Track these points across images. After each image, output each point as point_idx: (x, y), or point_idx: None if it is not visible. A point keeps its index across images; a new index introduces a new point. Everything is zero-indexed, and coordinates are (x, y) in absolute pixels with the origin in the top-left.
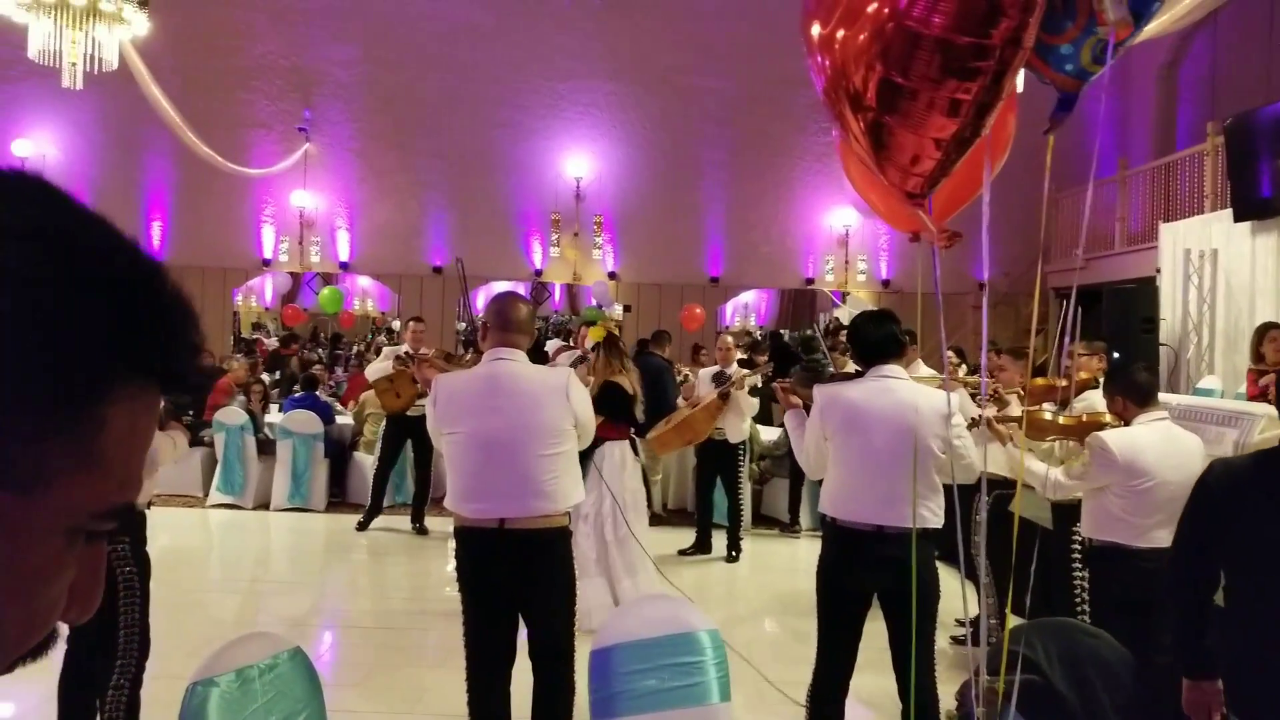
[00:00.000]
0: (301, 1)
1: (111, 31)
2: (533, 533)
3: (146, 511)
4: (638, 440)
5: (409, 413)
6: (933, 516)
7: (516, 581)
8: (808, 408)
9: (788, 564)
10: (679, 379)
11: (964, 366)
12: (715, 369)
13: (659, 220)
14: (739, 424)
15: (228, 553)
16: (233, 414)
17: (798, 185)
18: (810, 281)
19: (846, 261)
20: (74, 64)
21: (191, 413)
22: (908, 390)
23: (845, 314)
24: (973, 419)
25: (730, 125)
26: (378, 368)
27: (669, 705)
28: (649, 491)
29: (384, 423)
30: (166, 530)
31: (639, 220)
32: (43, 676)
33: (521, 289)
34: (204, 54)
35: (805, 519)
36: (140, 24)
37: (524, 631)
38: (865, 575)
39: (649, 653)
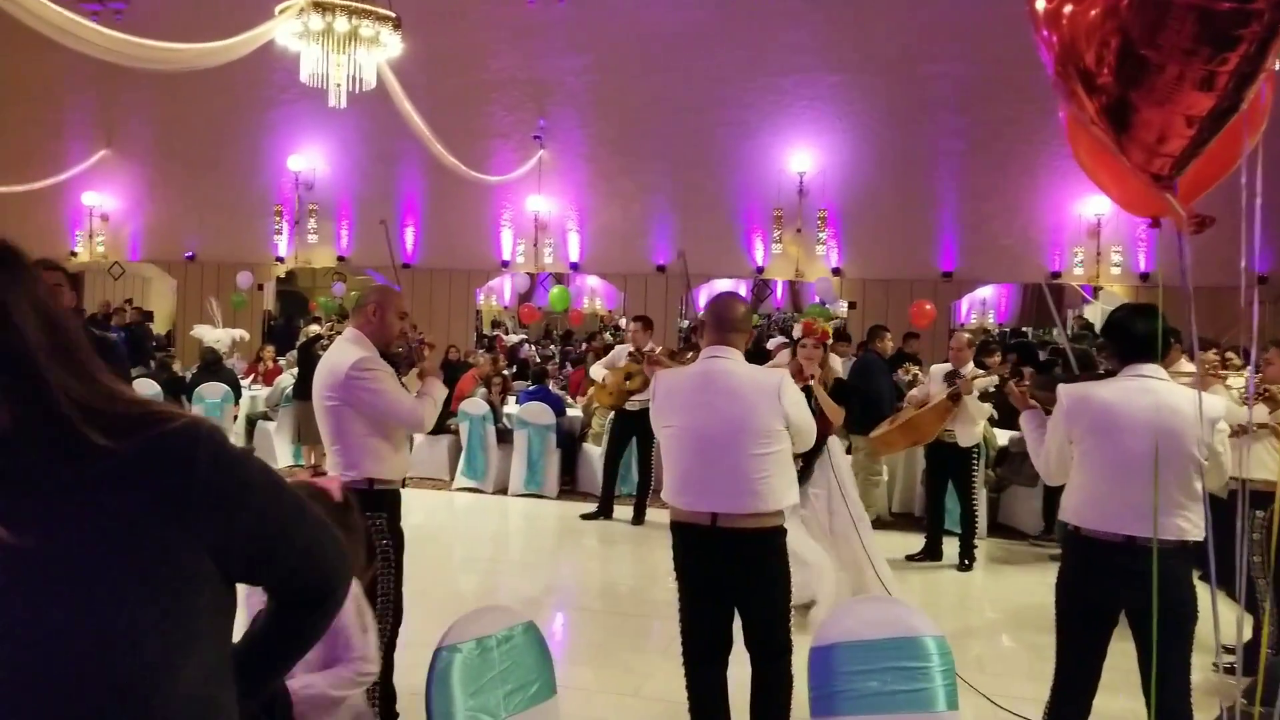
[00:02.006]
0: (538, 16)
1: (370, 54)
2: (745, 531)
3: (401, 490)
4: (852, 439)
5: (628, 407)
6: (1192, 529)
7: (730, 577)
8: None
9: (1026, 575)
10: (908, 378)
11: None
12: (947, 367)
13: (887, 214)
14: (970, 428)
15: (470, 532)
16: (476, 405)
17: (1042, 172)
18: (1056, 275)
19: (1098, 253)
20: (338, 85)
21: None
22: (1169, 391)
23: (1096, 311)
24: (1239, 425)
25: (966, 112)
26: (595, 369)
27: (892, 709)
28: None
29: (610, 416)
30: (417, 510)
31: (865, 214)
32: None
33: (743, 287)
34: (451, 71)
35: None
36: (395, 46)
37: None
38: (1112, 590)
39: (871, 654)
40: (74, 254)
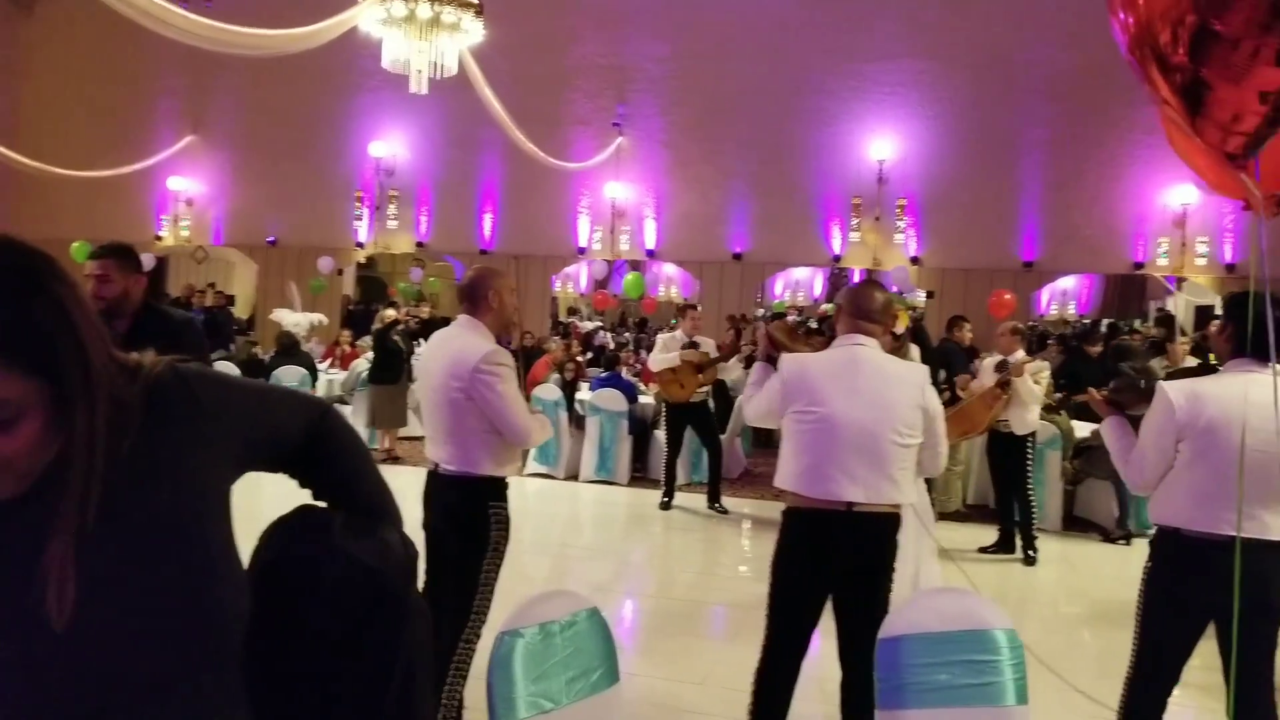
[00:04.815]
0: (622, 3)
1: (452, 40)
2: (879, 518)
3: (509, 480)
4: None
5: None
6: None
7: (853, 565)
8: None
9: (1101, 570)
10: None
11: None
12: (998, 357)
13: (968, 202)
14: (1023, 415)
15: (540, 518)
16: (549, 390)
17: (1127, 161)
18: (1139, 266)
19: (1184, 244)
20: (420, 72)
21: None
22: (1261, 386)
23: (1180, 302)
24: None
25: (1057, 100)
26: (661, 359)
27: (960, 702)
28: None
29: (664, 409)
30: None
31: (946, 203)
32: None
33: (820, 276)
34: (532, 58)
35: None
36: (477, 32)
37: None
38: (1213, 591)
39: (940, 647)
40: (159, 238)
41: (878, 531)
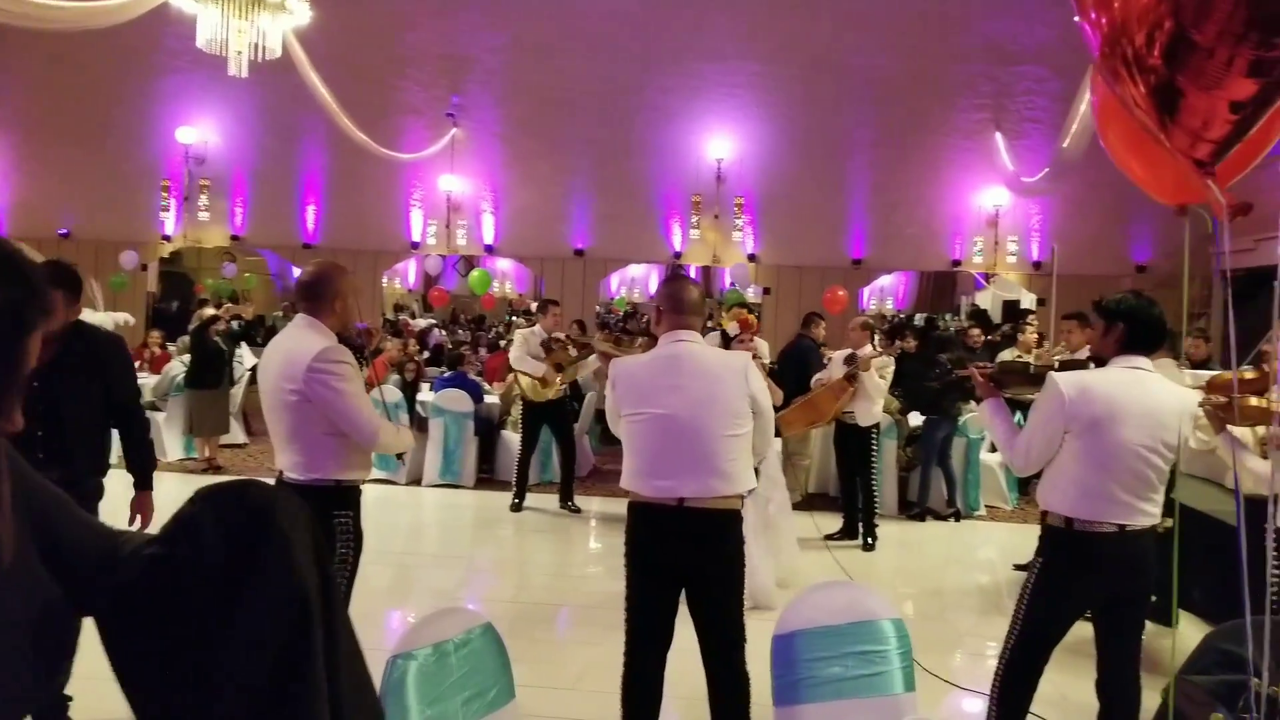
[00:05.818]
0: None
1: (275, 20)
2: (711, 512)
3: (362, 487)
4: None
5: (535, 397)
6: (1157, 513)
7: (691, 560)
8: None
9: (935, 552)
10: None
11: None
12: (848, 351)
13: (801, 201)
14: (868, 407)
15: (381, 526)
16: (389, 392)
17: (945, 164)
18: (957, 263)
19: (996, 243)
20: (240, 53)
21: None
22: (1157, 383)
23: (989, 297)
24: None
25: (882, 104)
26: (523, 359)
27: (853, 694)
28: (794, 475)
29: (520, 408)
30: None
31: (781, 202)
32: None
33: (655, 273)
34: (361, 43)
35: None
36: (303, 13)
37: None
38: (1103, 580)
39: (832, 640)
40: None
41: (712, 526)
